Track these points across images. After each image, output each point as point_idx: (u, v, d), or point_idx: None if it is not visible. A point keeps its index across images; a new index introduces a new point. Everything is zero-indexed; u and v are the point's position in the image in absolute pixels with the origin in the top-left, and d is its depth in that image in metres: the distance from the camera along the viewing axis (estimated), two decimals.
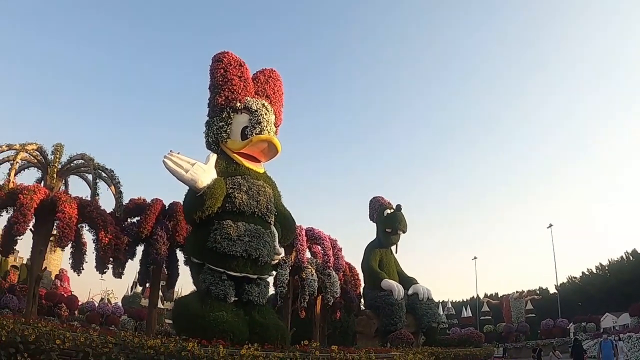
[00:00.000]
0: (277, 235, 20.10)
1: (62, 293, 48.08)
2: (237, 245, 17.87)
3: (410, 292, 40.94)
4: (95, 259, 22.66)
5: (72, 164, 25.20)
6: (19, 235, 21.03)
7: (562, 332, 59.28)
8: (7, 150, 23.02)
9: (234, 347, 13.89)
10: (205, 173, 18.36)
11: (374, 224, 44.23)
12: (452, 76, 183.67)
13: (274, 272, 21.21)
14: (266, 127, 19.77)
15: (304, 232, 30.35)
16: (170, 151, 18.46)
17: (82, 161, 24.90)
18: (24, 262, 59.84)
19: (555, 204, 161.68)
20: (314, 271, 30.40)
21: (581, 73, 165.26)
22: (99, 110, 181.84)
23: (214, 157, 19.60)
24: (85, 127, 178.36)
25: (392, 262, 43.25)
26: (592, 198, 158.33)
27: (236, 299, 18.48)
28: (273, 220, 19.96)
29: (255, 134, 19.65)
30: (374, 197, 45.10)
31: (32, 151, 23.78)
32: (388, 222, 42.34)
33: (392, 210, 42.53)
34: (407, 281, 42.42)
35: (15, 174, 22.91)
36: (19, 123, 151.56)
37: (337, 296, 31.53)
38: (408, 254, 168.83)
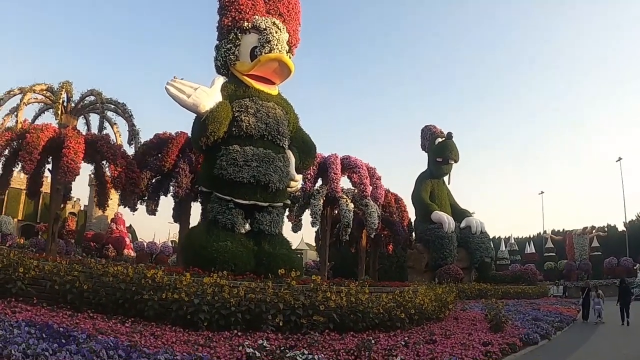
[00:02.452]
0: (293, 160, 19.00)
1: (112, 235, 48.66)
2: (244, 171, 16.89)
3: (462, 225, 39.88)
4: (100, 192, 22.79)
5: (84, 102, 24.90)
6: (27, 174, 21.23)
7: (627, 272, 56.82)
8: (19, 93, 23.00)
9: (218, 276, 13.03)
10: (209, 97, 17.36)
11: (426, 155, 43.06)
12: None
13: (289, 200, 20.00)
14: (276, 45, 18.33)
15: (338, 160, 29.03)
16: (174, 77, 17.55)
17: (94, 98, 24.56)
18: (82, 208, 61.38)
19: (624, 136, 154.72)
20: (349, 201, 29.23)
21: None
22: (122, 53, 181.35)
23: (219, 80, 18.53)
24: (116, 73, 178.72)
25: (445, 193, 42.08)
26: None
27: (249, 228, 17.82)
28: (287, 144, 18.81)
29: (265, 53, 18.34)
30: (425, 126, 43.62)
31: (41, 92, 23.59)
32: (439, 151, 41.04)
33: (443, 139, 41.02)
34: (460, 214, 41.28)
35: (31, 118, 23.15)
36: (24, 64, 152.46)
37: (375, 227, 30.17)
38: (471, 187, 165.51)
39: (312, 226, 28.53)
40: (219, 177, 17.05)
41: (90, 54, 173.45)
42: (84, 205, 60.66)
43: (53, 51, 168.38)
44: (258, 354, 7.95)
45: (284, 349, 8.47)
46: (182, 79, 17.52)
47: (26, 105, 23.86)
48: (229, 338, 9.63)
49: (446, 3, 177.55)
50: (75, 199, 61.71)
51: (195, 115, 17.69)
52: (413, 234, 42.46)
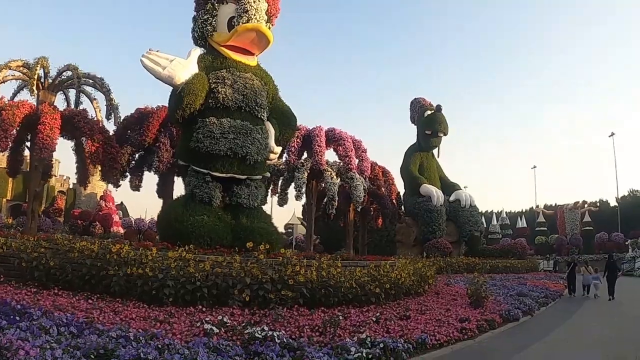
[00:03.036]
0: (272, 132, 18.56)
1: (100, 212, 48.38)
2: (221, 143, 16.46)
3: (451, 198, 39.62)
4: (80, 168, 22.66)
5: (62, 77, 24.58)
6: (2, 151, 21.02)
7: (617, 247, 56.91)
8: None
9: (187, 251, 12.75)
10: (184, 68, 16.81)
11: (415, 128, 42.68)
12: None
13: (268, 173, 19.68)
14: (254, 15, 17.79)
15: (323, 133, 28.73)
16: (149, 49, 17.00)
17: (71, 73, 24.26)
18: (70, 186, 61.10)
19: (617, 110, 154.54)
20: (334, 174, 28.93)
21: None
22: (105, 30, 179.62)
23: (195, 51, 18.03)
24: (98, 50, 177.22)
25: (434, 166, 41.74)
26: None
27: (229, 202, 17.50)
28: (265, 115, 18.39)
29: (242, 23, 17.83)
30: (415, 98, 43.15)
31: (17, 68, 23.21)
32: (428, 123, 40.56)
33: (432, 111, 40.63)
34: (449, 187, 41.03)
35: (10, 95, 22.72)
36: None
37: (362, 201, 29.98)
38: (463, 161, 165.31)
39: (297, 199, 28.40)
40: (196, 150, 16.67)
41: (69, 32, 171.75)
42: (73, 183, 60.34)
43: (31, 29, 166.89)
44: (216, 330, 7.69)
45: (244, 325, 8.18)
46: (157, 51, 17.02)
47: (3, 82, 23.60)
48: (192, 314, 9.40)
49: None
50: (65, 177, 61.45)
51: (172, 87, 17.17)
52: (402, 207, 42.14)
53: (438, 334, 9.69)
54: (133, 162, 26.17)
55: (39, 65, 22.35)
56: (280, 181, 31.16)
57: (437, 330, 9.92)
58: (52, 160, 24.93)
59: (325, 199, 31.02)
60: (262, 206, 19.40)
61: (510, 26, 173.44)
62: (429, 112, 40.88)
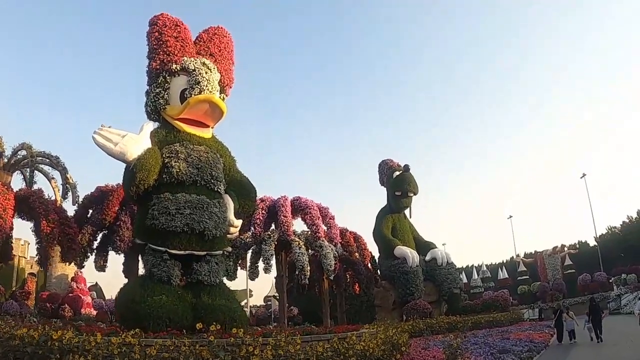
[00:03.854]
0: (231, 204, 18.03)
1: (71, 294, 47.25)
2: (177, 220, 15.87)
3: (427, 257, 39.04)
4: (40, 250, 22.32)
5: (17, 156, 24.40)
6: None
7: (601, 287, 56.54)
8: None
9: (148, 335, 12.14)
10: (136, 144, 16.39)
11: (385, 190, 42.37)
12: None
13: (229, 248, 19.13)
14: (207, 86, 17.61)
15: (288, 203, 28.43)
16: (102, 125, 16.60)
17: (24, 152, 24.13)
18: (41, 268, 59.99)
19: (588, 153, 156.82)
20: (302, 244, 28.39)
21: None
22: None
23: (148, 125, 17.63)
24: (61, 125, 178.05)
25: (407, 227, 41.24)
26: (626, 145, 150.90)
27: (189, 280, 16.76)
28: (222, 188, 17.93)
29: (194, 95, 17.54)
30: (382, 160, 43.09)
31: None
32: (397, 184, 40.27)
33: (401, 172, 40.37)
34: (424, 247, 40.50)
35: None
36: None
37: (332, 269, 29.40)
38: (439, 219, 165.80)
39: (265, 272, 27.98)
40: (152, 227, 16.06)
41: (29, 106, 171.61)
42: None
43: None
44: None
45: None
46: (109, 127, 16.63)
47: None
48: None
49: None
50: (36, 259, 60.43)
51: (125, 164, 16.68)
52: (378, 271, 41.48)
53: None
54: (96, 242, 25.53)
55: None
56: (249, 254, 30.59)
57: None
58: (11, 242, 24.46)
59: (297, 270, 30.39)
60: (225, 283, 18.74)
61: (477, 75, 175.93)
62: (397, 172, 40.65)
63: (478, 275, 69.99)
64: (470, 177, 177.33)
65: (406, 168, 39.86)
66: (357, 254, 38.42)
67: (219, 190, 17.64)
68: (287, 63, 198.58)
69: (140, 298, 15.08)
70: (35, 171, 25.30)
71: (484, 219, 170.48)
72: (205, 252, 16.73)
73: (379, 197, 42.54)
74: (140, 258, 25.19)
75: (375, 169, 43.69)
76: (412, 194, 40.58)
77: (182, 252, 16.29)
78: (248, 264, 30.94)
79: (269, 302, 60.97)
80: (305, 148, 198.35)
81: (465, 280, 59.47)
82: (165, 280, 15.94)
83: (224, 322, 13.98)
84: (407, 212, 42.00)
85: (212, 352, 10.33)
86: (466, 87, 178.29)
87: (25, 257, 52.67)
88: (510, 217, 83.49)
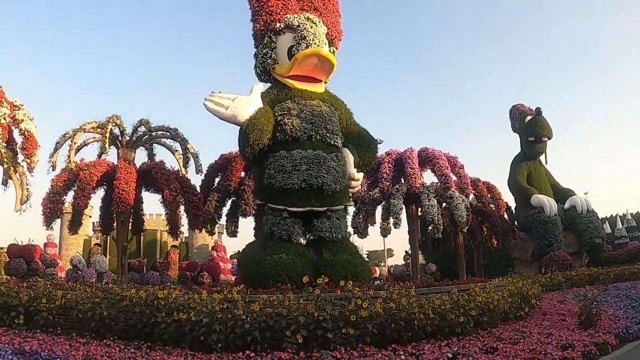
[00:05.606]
0: (351, 158, 17.57)
1: (210, 262, 48.71)
2: (294, 177, 15.65)
3: (566, 205, 37.01)
4: (169, 219, 23.13)
5: (138, 133, 25.08)
6: (80, 209, 21.41)
7: None
8: (73, 135, 23.13)
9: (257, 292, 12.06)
10: (247, 105, 16.29)
11: (518, 137, 40.61)
12: None
13: (351, 202, 18.79)
14: (313, 40, 17.06)
15: (415, 154, 27.65)
16: (212, 92, 16.69)
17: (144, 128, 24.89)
18: (183, 240, 62.54)
19: None
20: (432, 196, 27.64)
21: None
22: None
23: (258, 86, 17.48)
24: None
25: (543, 174, 39.26)
26: None
27: (311, 237, 16.70)
28: (340, 141, 17.43)
29: (301, 50, 17.14)
30: (513, 106, 41.10)
31: (92, 130, 23.77)
32: (529, 129, 38.30)
33: (532, 116, 38.52)
34: (562, 194, 38.35)
35: (76, 153, 23.06)
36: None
37: (464, 221, 28.50)
38: (578, 165, 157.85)
39: (395, 227, 27.30)
40: (269, 186, 16.02)
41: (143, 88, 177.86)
42: (185, 237, 61.71)
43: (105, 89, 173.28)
44: None
45: None
46: (219, 92, 16.66)
47: (85, 145, 24.48)
48: None
49: None
50: (167, 228, 63.26)
51: (238, 127, 16.73)
52: (515, 222, 39.94)
53: None
54: (225, 208, 26.01)
55: (110, 124, 22.73)
56: (379, 211, 30.25)
57: None
58: (142, 215, 25.75)
59: (428, 224, 29.73)
60: (349, 238, 18.47)
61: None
62: (528, 117, 38.75)
63: (622, 224, 66.19)
64: (613, 112, 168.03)
65: (538, 111, 37.87)
66: (492, 205, 37.05)
67: (336, 143, 17.15)
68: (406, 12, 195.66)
69: (261, 257, 15.14)
70: (158, 145, 26.01)
71: (630, 164, 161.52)
72: (325, 208, 16.34)
73: (513, 145, 40.88)
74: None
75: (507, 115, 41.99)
76: (546, 139, 38.51)
77: (301, 209, 16.06)
78: (379, 220, 30.62)
79: (408, 261, 60.66)
80: (429, 99, 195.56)
81: (608, 230, 55.99)
82: (286, 239, 15.85)
83: (345, 277, 13.58)
84: (542, 158, 39.92)
85: (318, 307, 10.04)
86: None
87: (167, 231, 55.08)
88: None
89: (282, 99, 17.19)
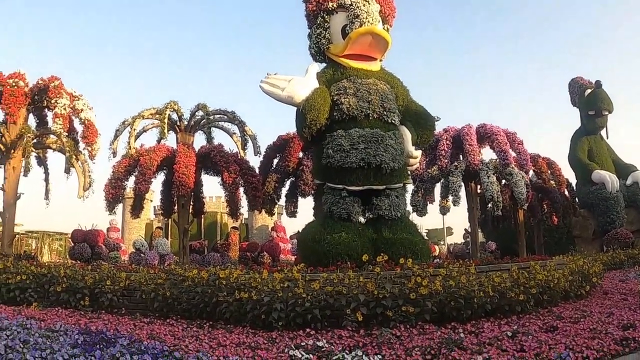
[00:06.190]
0: (408, 135, 17.45)
1: (270, 243, 49.21)
2: (352, 155, 15.65)
3: (629, 182, 36.24)
4: (229, 201, 23.47)
5: (195, 117, 25.44)
6: (141, 193, 21.99)
7: None
8: (132, 122, 23.64)
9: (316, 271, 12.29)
10: (303, 86, 16.32)
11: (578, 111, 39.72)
12: None
13: (410, 180, 18.71)
14: (366, 19, 16.89)
15: (473, 131, 27.43)
16: (267, 74, 16.78)
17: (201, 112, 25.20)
18: (243, 221, 63.30)
19: None
20: (491, 173, 27.34)
21: None
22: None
23: (313, 67, 17.45)
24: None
25: (604, 149, 38.32)
26: None
27: (370, 216, 16.73)
28: (397, 119, 17.26)
29: (355, 29, 17.01)
30: (572, 79, 40.06)
31: (151, 116, 24.16)
32: (589, 103, 37.39)
33: (592, 89, 37.57)
34: (624, 170, 37.48)
35: (136, 140, 23.49)
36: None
37: (524, 197, 28.15)
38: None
39: (454, 205, 27.24)
40: (328, 166, 16.10)
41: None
42: (245, 219, 62.46)
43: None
44: (304, 356, 6.98)
45: (342, 350, 7.35)
46: (275, 74, 16.75)
47: (145, 132, 24.96)
48: (295, 338, 8.75)
49: None
50: (227, 210, 64.30)
51: (296, 108, 16.77)
52: (576, 199, 39.21)
53: (587, 349, 7.55)
54: (284, 189, 26.26)
55: (168, 110, 23.07)
56: (437, 188, 30.14)
57: (588, 344, 7.79)
58: (202, 198, 26.31)
59: (487, 201, 29.45)
60: (409, 217, 18.41)
61: None
62: (588, 90, 37.81)
63: None
64: None
65: (598, 84, 36.88)
66: (552, 181, 36.42)
67: (393, 121, 17.00)
68: None
69: (321, 236, 15.23)
70: (216, 128, 26.42)
71: None
72: (384, 186, 16.31)
73: (573, 120, 40.01)
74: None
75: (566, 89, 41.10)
76: (606, 112, 37.47)
77: (360, 188, 16.04)
78: (438, 198, 30.53)
79: (467, 239, 60.33)
80: (487, 75, 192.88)
81: None
82: (345, 218, 15.90)
83: (405, 255, 13.56)
84: (603, 133, 39.05)
85: (377, 285, 10.09)
86: None
87: (226, 213, 56.06)
88: None
89: (337, 79, 17.16)
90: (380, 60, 18.42)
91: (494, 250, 42.95)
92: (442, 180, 29.07)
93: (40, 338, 7.30)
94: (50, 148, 25.02)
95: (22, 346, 6.67)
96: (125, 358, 6.28)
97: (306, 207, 26.27)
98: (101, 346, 7.05)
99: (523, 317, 10.74)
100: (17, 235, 29.12)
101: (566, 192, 37.96)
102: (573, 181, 39.22)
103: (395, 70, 18.67)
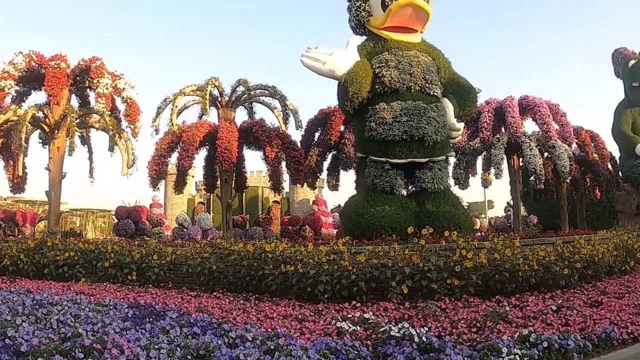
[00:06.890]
0: (451, 108, 17.27)
1: (311, 216, 49.44)
2: (395, 128, 15.60)
3: None
4: (271, 175, 23.61)
5: (237, 93, 25.35)
6: (185, 169, 22.11)
7: None
8: (173, 99, 23.71)
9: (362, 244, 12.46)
10: (344, 59, 16.29)
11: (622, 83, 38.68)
12: None
13: (453, 153, 18.53)
14: None
15: (515, 102, 26.99)
16: (308, 48, 16.80)
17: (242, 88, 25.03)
18: (284, 195, 63.62)
19: None
20: (533, 145, 26.95)
21: None
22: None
23: (353, 40, 17.38)
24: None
25: None
26: None
27: (413, 188, 16.71)
28: (440, 92, 17.14)
29: (395, 1, 16.78)
30: (615, 50, 38.44)
31: (192, 93, 24.22)
32: (633, 74, 35.75)
33: (637, 60, 36.56)
34: None
35: (178, 116, 23.53)
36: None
37: (567, 171, 27.68)
38: None
39: (496, 178, 26.90)
40: (371, 139, 16.10)
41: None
42: (286, 193, 62.84)
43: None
44: (351, 328, 6.96)
45: (388, 322, 7.40)
46: (316, 48, 16.75)
47: (186, 108, 25.14)
48: (341, 310, 8.91)
49: None
50: (269, 184, 64.96)
51: (337, 81, 16.77)
52: (620, 173, 38.39)
53: (632, 324, 7.50)
54: (326, 162, 26.24)
55: (209, 86, 23.07)
56: (479, 161, 29.85)
57: (633, 320, 7.74)
58: (244, 172, 26.59)
59: (529, 174, 29.06)
60: (451, 189, 18.28)
61: None
62: (632, 61, 36.68)
63: None
64: None
65: None
66: (595, 154, 35.70)
67: (436, 94, 16.85)
68: None
69: (364, 209, 15.34)
70: (257, 103, 26.42)
71: None
72: (427, 159, 16.25)
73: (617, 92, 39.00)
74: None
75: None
76: None
77: (403, 161, 16.01)
78: (480, 171, 30.26)
79: (508, 213, 59.80)
80: (527, 45, 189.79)
81: None
82: (388, 191, 15.88)
83: (448, 228, 13.50)
84: None
85: (423, 257, 10.13)
86: None
87: (268, 187, 56.67)
88: None
89: (378, 51, 17.01)
90: (421, 32, 18.25)
91: (536, 224, 42.56)
92: (484, 153, 28.68)
93: (91, 312, 7.57)
94: (94, 127, 25.55)
95: (73, 320, 6.85)
96: (175, 330, 6.41)
97: (348, 180, 26.25)
98: (151, 319, 7.30)
99: (567, 292, 10.73)
100: (62, 214, 29.54)
101: (609, 166, 37.20)
102: (616, 154, 38.37)
103: (438, 41, 18.49)
